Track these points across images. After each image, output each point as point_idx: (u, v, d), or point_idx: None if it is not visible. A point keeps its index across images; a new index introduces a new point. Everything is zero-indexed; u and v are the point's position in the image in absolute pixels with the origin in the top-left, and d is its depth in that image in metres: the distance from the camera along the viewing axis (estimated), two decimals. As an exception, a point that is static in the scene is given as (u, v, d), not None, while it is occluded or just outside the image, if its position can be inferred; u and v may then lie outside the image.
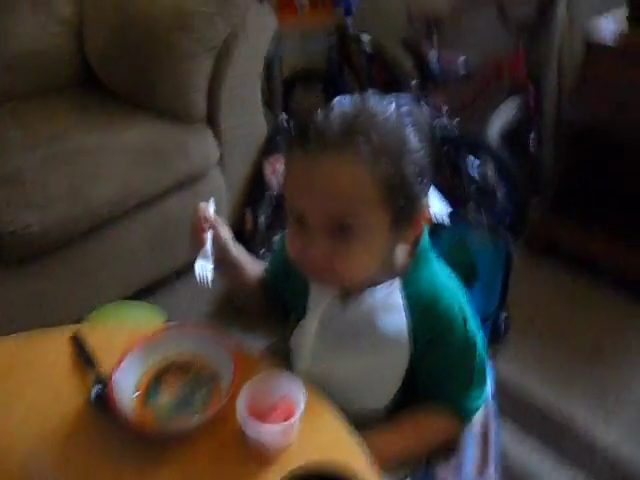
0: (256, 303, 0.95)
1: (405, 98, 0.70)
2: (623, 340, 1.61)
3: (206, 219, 0.81)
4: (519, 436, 1.34)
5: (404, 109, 0.68)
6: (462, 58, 2.03)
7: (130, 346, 0.75)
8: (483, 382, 0.82)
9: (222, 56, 1.59)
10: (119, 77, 1.69)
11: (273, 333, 1.00)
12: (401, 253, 0.77)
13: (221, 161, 1.73)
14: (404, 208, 0.68)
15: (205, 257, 0.79)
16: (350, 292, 0.76)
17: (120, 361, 0.72)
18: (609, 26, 1.57)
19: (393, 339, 0.75)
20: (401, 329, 0.75)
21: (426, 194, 0.72)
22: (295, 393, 0.67)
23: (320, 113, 0.67)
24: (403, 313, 0.74)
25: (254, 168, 1.83)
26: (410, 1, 2.22)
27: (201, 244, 0.80)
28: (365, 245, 0.68)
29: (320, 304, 0.78)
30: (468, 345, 0.77)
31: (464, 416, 0.81)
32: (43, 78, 1.75)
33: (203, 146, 1.64)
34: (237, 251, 0.88)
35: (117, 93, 1.71)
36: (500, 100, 2.01)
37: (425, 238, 0.78)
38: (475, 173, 1.89)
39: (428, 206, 0.72)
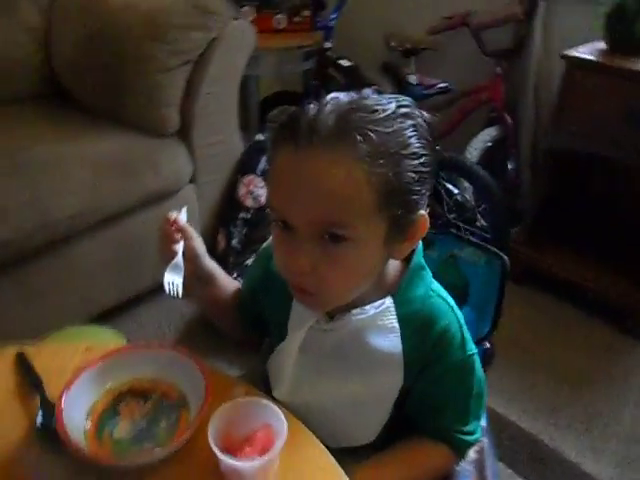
0: (231, 323, 0.87)
1: (407, 100, 0.63)
2: (608, 368, 1.57)
3: (177, 228, 0.74)
4: (506, 471, 1.26)
5: (405, 110, 0.61)
6: (442, 84, 2.02)
7: (82, 367, 0.65)
8: (480, 410, 0.75)
9: (197, 70, 1.54)
10: (87, 88, 1.61)
11: (249, 357, 0.91)
12: (393, 269, 0.70)
13: (194, 178, 1.65)
14: (401, 218, 0.61)
15: (175, 269, 0.73)
16: (336, 312, 0.69)
17: (70, 383, 0.62)
18: (587, 52, 1.58)
19: (384, 364, 0.68)
20: (393, 353, 0.67)
21: (424, 205, 0.65)
22: (275, 422, 0.58)
23: (313, 106, 0.59)
24: (396, 335, 0.67)
25: (228, 188, 1.76)
26: (389, 26, 2.23)
27: (171, 255, 0.74)
28: (356, 258, 0.60)
29: (302, 325, 0.70)
30: (466, 370, 0.70)
31: (459, 452, 0.74)
32: (8, 88, 1.66)
33: (175, 162, 1.56)
34: (210, 265, 0.81)
35: (85, 105, 1.63)
36: (477, 130, 2.01)
37: (419, 253, 0.72)
38: (456, 197, 1.85)
39: (426, 218, 0.65)
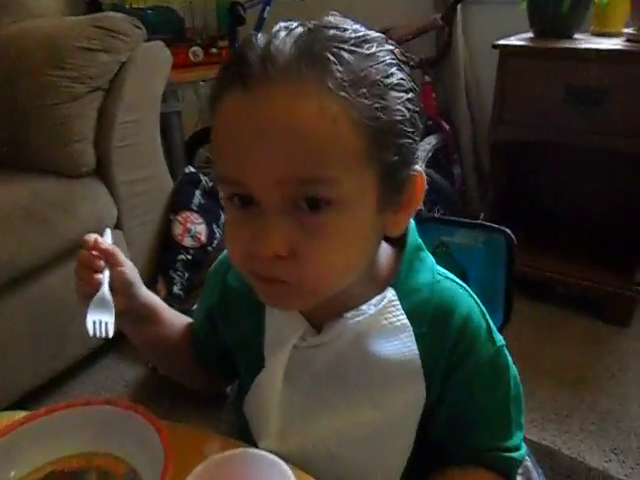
0: (186, 368, 0.69)
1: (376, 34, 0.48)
2: (603, 361, 1.47)
3: (99, 253, 0.57)
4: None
5: (378, 35, 0.46)
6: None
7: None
8: (521, 416, 0.57)
9: (110, 98, 1.36)
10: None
11: (217, 405, 0.71)
12: (385, 255, 0.54)
13: (120, 222, 1.43)
14: (395, 169, 0.45)
15: (101, 304, 0.56)
16: (322, 320, 0.52)
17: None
18: (517, 40, 1.56)
19: (399, 376, 0.51)
20: (408, 359, 0.51)
21: (418, 159, 0.49)
22: (275, 478, 0.39)
23: (261, 36, 0.44)
24: (408, 335, 0.51)
25: (161, 229, 1.55)
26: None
27: (94, 288, 0.56)
28: (345, 228, 0.44)
29: (283, 345, 0.53)
30: (499, 367, 0.54)
31: (508, 475, 0.56)
32: None
33: (94, 204, 1.35)
34: (148, 296, 0.63)
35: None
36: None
37: (413, 231, 0.56)
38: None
39: (423, 177, 0.49)
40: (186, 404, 1.25)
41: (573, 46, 1.44)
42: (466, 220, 0.77)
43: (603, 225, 1.73)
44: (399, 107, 0.44)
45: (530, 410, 1.30)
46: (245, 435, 0.59)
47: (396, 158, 0.45)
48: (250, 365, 0.57)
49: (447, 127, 1.96)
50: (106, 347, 1.49)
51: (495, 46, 1.53)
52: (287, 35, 0.43)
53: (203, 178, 1.64)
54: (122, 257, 0.59)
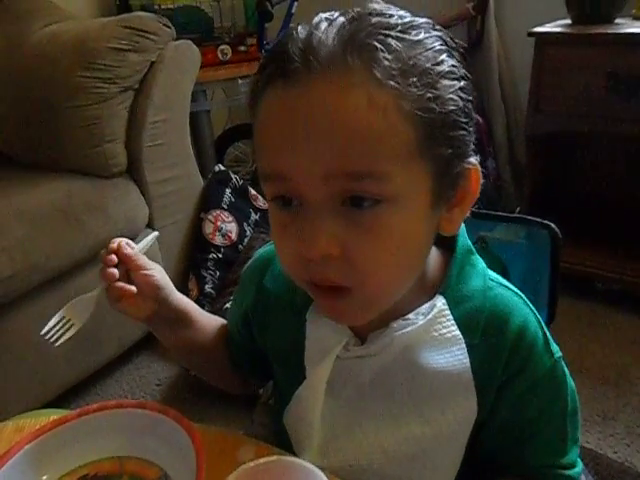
0: (221, 372, 0.67)
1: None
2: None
3: (119, 257, 0.56)
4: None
5: (426, 20, 0.44)
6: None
7: (8, 451, 0.42)
8: (578, 431, 0.54)
9: (140, 98, 1.36)
10: (15, 136, 1.40)
11: (250, 405, 0.70)
12: (432, 259, 0.51)
13: (151, 222, 1.44)
14: (449, 163, 0.43)
15: (77, 307, 0.57)
16: (367, 330, 0.49)
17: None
18: (554, 27, 1.50)
19: (450, 390, 0.48)
20: (460, 372, 0.48)
21: (473, 151, 0.46)
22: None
23: (302, 28, 0.42)
24: (460, 348, 0.48)
25: (192, 228, 1.55)
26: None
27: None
28: (399, 226, 0.42)
29: (325, 355, 0.50)
30: (557, 380, 0.50)
31: None
32: None
33: (126, 204, 1.35)
34: (180, 300, 0.61)
35: (20, 160, 1.41)
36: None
37: (463, 234, 0.53)
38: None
39: (478, 170, 0.46)
40: (219, 404, 1.25)
41: (615, 31, 1.37)
42: (506, 214, 0.73)
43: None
44: (452, 96, 0.42)
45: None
46: (281, 439, 0.57)
47: (450, 152, 0.42)
48: (289, 374, 0.54)
49: (480, 120, 1.91)
50: (141, 346, 1.50)
51: (531, 34, 1.47)
52: (329, 26, 0.41)
53: (233, 176, 1.64)
54: (146, 262, 0.57)
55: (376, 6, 0.43)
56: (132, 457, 0.46)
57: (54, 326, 0.53)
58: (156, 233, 0.62)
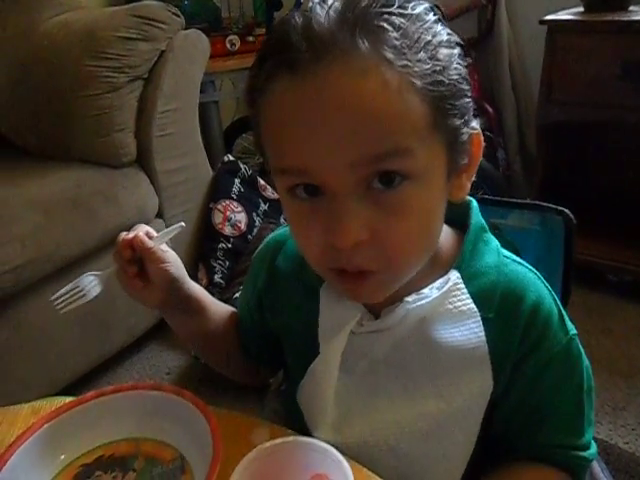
0: (231, 359, 0.67)
1: None
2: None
3: (135, 248, 0.55)
4: None
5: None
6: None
7: (22, 435, 0.42)
8: (592, 411, 0.54)
9: (149, 87, 1.36)
10: (25, 126, 1.41)
11: (260, 393, 0.70)
12: (445, 237, 0.51)
13: (161, 211, 1.44)
14: (459, 132, 0.44)
15: (91, 279, 0.57)
16: (381, 306, 0.49)
17: (7, 456, 0.40)
18: (567, 15, 1.48)
19: (465, 364, 0.48)
20: (475, 346, 0.48)
21: (473, 113, 0.47)
22: (332, 470, 0.37)
23: (298, 15, 0.41)
24: (475, 321, 0.48)
25: (202, 218, 1.55)
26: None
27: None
28: (424, 202, 0.43)
29: (339, 331, 0.50)
30: (572, 357, 0.50)
31: (576, 476, 0.53)
32: None
33: (136, 193, 1.36)
34: (194, 290, 0.61)
35: (31, 149, 1.42)
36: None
37: (475, 210, 0.53)
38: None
39: (480, 133, 0.47)
40: (229, 392, 1.25)
41: (629, 18, 1.35)
42: (520, 201, 0.73)
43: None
44: (454, 65, 0.43)
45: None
46: (293, 424, 0.57)
47: (459, 121, 0.43)
48: (302, 352, 0.54)
49: (490, 110, 1.89)
50: (151, 335, 1.51)
51: (543, 22, 1.45)
52: (328, 9, 0.40)
53: (242, 167, 1.63)
54: (161, 254, 0.56)
55: None
56: (148, 438, 0.46)
57: (65, 294, 0.53)
58: (182, 224, 0.61)
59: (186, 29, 1.43)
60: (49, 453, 0.43)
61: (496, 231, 0.73)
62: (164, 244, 0.57)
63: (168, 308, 0.60)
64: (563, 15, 1.48)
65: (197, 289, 0.62)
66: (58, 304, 0.54)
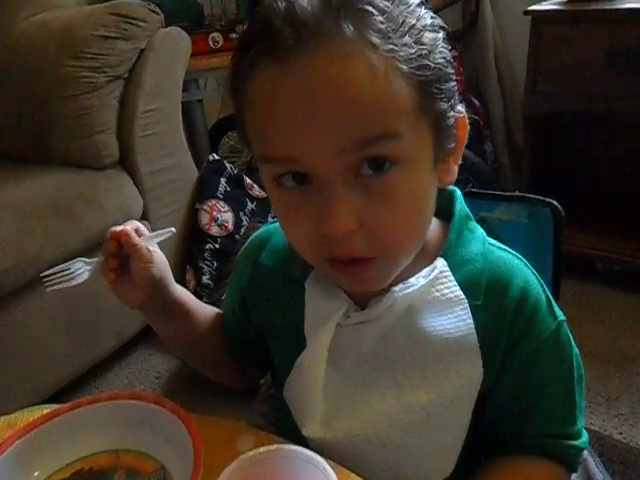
0: (215, 357, 0.65)
1: None
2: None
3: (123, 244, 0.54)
4: None
5: None
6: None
7: (1, 445, 0.41)
8: (582, 399, 0.53)
9: (130, 86, 1.33)
10: (4, 129, 1.38)
11: (250, 396, 0.69)
12: (432, 224, 0.50)
13: (146, 213, 1.42)
14: (445, 114, 0.43)
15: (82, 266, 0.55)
16: (368, 296, 0.48)
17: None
18: (551, 4, 1.47)
19: (454, 352, 0.47)
20: (464, 334, 0.47)
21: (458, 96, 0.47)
22: (316, 478, 0.35)
23: (279, 0, 0.40)
24: (463, 308, 0.47)
25: (188, 219, 1.53)
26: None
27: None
28: (412, 187, 0.42)
29: (325, 324, 0.49)
30: (561, 344, 0.50)
31: (569, 465, 0.52)
32: None
33: (120, 196, 1.33)
34: (176, 290, 0.59)
35: (9, 153, 1.39)
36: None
37: (459, 199, 0.53)
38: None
39: (465, 117, 0.47)
40: (220, 395, 1.23)
41: (613, 7, 1.35)
42: (507, 193, 0.72)
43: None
44: (439, 49, 0.42)
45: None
46: (281, 426, 0.56)
47: (446, 105, 0.43)
48: (289, 347, 0.53)
49: (477, 102, 1.88)
50: (139, 339, 1.49)
51: (527, 12, 1.45)
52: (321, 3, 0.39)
53: (228, 165, 1.61)
54: (145, 253, 0.54)
55: None
56: (128, 450, 0.44)
57: (54, 273, 0.52)
58: (172, 229, 0.59)
59: (167, 27, 1.40)
60: (22, 471, 0.41)
61: (484, 225, 0.72)
62: (154, 244, 0.56)
63: (150, 310, 0.58)
64: (547, 5, 1.47)
65: (181, 293, 0.60)
66: (46, 282, 0.53)
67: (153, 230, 0.57)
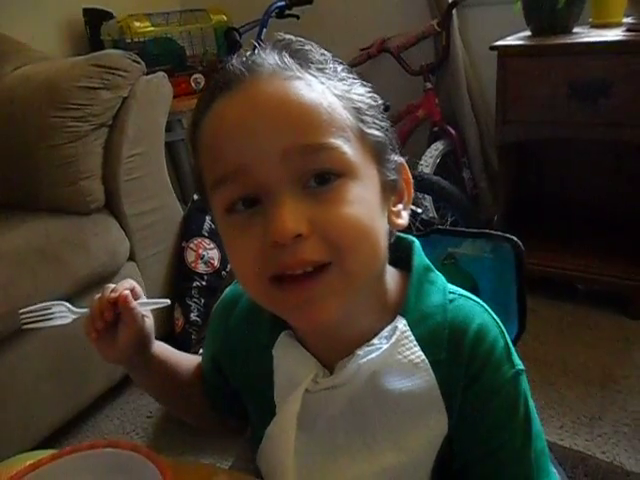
0: (198, 408, 0.67)
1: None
2: (629, 360, 1.42)
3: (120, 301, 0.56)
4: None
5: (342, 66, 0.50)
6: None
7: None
8: (549, 465, 0.52)
9: (115, 133, 1.38)
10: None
11: (232, 451, 0.70)
12: (392, 280, 0.52)
13: (133, 254, 1.45)
14: (385, 147, 0.48)
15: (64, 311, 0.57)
16: (334, 360, 0.50)
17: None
18: (515, 40, 1.54)
19: (420, 410, 0.49)
20: (427, 391, 0.48)
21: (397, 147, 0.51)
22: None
23: (244, 52, 0.48)
24: (425, 369, 0.48)
25: (175, 258, 1.56)
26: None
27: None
28: (359, 194, 0.44)
29: (294, 390, 0.50)
30: (517, 392, 0.49)
31: None
32: None
33: (107, 239, 1.36)
34: (156, 348, 0.62)
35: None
36: (422, 147, 1.93)
37: (418, 252, 0.54)
38: (421, 217, 1.73)
39: (406, 167, 0.52)
40: (212, 434, 1.24)
41: (573, 41, 1.42)
42: (471, 230, 0.75)
43: (620, 217, 1.69)
44: (370, 95, 0.48)
45: (560, 414, 1.26)
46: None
47: (383, 136, 0.48)
48: (261, 413, 0.55)
49: (453, 132, 1.95)
50: (129, 379, 1.50)
51: (493, 47, 1.52)
52: (268, 47, 0.47)
53: (212, 203, 1.65)
54: (138, 319, 0.56)
55: (302, 46, 0.48)
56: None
57: (34, 311, 0.53)
58: (167, 301, 0.60)
59: (151, 71, 1.46)
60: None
61: (452, 261, 0.75)
62: (148, 311, 0.57)
63: (127, 366, 0.61)
64: (511, 40, 1.54)
65: (161, 352, 0.62)
66: (24, 319, 0.53)
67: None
